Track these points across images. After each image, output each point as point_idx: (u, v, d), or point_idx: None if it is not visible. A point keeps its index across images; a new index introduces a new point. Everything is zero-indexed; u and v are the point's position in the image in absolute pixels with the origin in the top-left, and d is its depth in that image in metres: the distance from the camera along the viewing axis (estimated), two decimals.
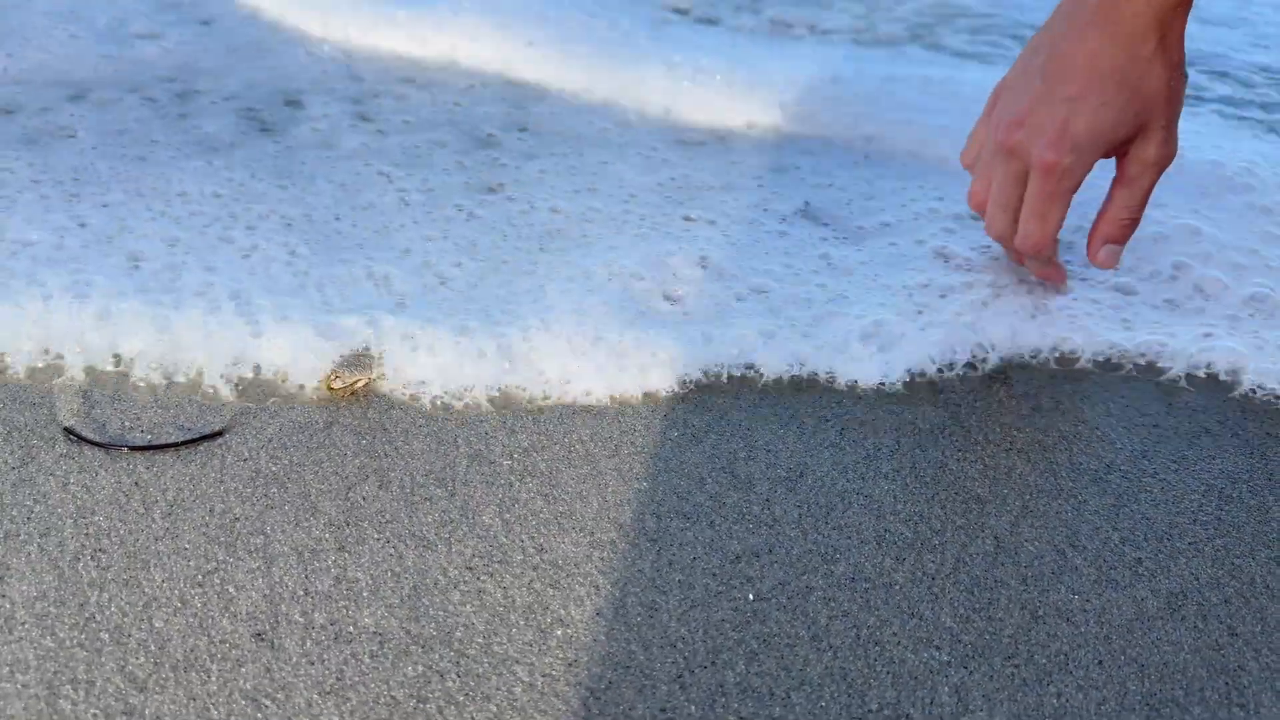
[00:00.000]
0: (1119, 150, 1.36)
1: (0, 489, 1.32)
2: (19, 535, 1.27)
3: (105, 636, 1.14)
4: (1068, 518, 1.38)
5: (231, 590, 1.21)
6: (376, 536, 1.30)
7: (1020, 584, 1.28)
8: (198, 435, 1.38)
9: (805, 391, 1.59)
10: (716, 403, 1.55)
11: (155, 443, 1.37)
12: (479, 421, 1.49)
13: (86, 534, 1.27)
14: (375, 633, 1.16)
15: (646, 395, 1.55)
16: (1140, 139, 1.33)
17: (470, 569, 1.26)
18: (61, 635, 1.13)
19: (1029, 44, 1.39)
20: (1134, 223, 1.43)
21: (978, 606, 1.24)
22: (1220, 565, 1.31)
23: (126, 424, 1.43)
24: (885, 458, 1.46)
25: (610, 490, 1.38)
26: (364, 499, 1.35)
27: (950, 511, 1.38)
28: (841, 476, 1.42)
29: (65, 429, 1.39)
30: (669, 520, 1.34)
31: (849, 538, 1.33)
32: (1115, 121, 1.27)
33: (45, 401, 1.45)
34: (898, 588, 1.26)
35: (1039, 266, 1.57)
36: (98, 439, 1.38)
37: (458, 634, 1.17)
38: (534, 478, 1.40)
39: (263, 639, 1.14)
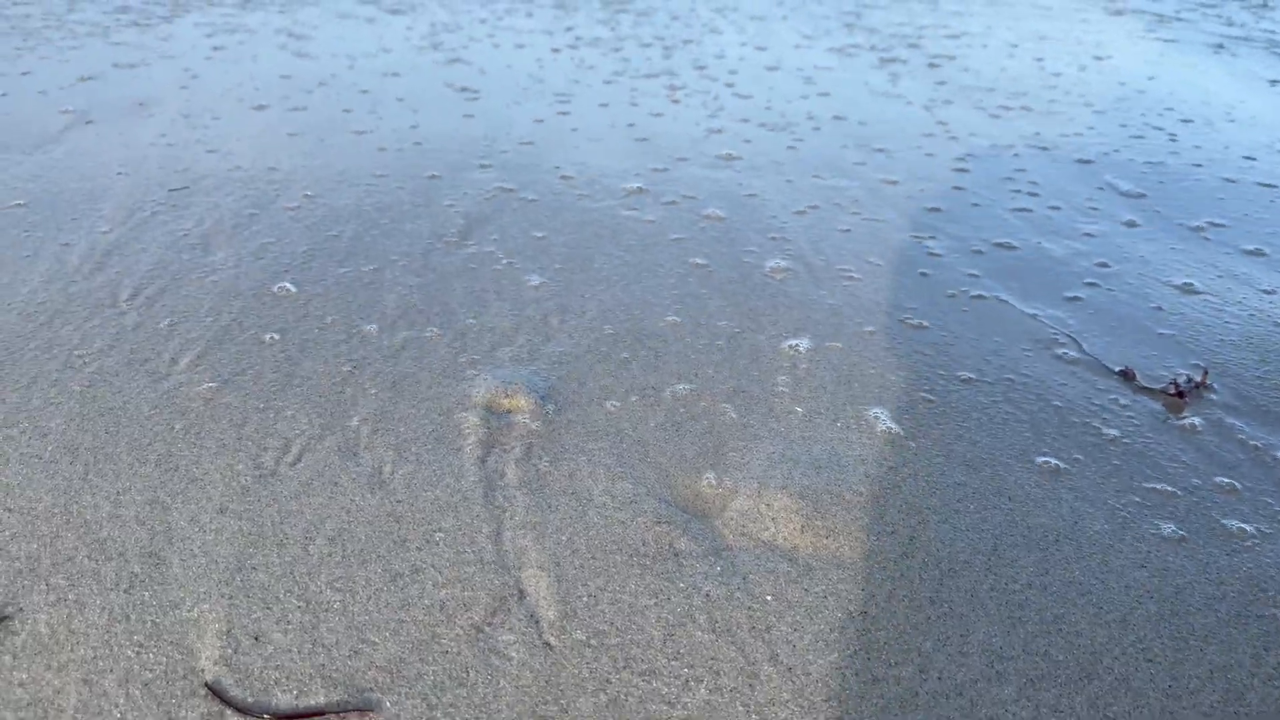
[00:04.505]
0: None
1: None
2: None
3: None
4: None
5: None
6: None
7: None
8: (347, 707, 1.25)
9: None
10: None
11: (301, 710, 1.24)
12: None
13: None
14: None
15: None
16: None
17: None
18: None
19: None
20: None
21: None
22: None
23: (271, 674, 1.30)
24: None
25: None
26: None
27: None
28: None
29: (207, 684, 1.27)
30: None
31: None
32: None
33: (187, 647, 1.34)
34: None
35: None
36: (241, 700, 1.25)
37: None
38: None
39: None
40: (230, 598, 1.41)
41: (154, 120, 3.48)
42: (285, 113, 3.64)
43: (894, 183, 3.17)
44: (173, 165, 3.01)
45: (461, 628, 1.38)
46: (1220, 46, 5.06)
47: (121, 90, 3.85)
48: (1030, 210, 2.98)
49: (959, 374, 2.03)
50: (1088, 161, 3.48)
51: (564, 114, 3.81)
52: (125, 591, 1.41)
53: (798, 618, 1.42)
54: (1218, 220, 2.96)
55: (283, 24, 5.33)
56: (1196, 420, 1.94)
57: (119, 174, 2.92)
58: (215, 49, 4.65)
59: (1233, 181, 3.32)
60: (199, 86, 3.95)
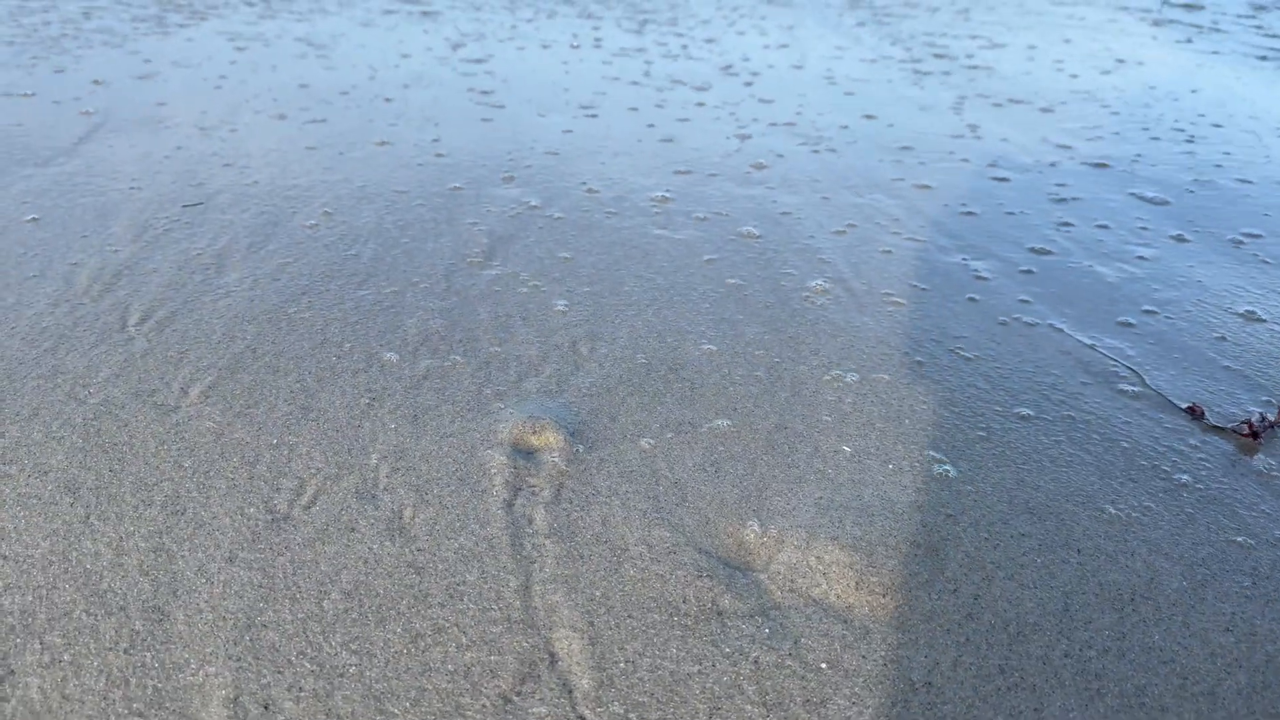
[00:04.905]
0: None
1: None
2: None
3: None
4: None
5: None
6: None
7: None
8: None
9: None
10: None
11: None
12: None
13: None
14: None
15: None
16: None
17: None
18: None
19: None
20: None
21: None
22: None
23: None
24: None
25: None
26: None
27: None
28: None
29: None
30: None
31: None
32: None
33: (190, 716, 1.23)
34: None
35: None
36: None
37: None
38: None
39: None
40: (238, 659, 1.30)
41: (170, 132, 3.39)
42: (304, 124, 3.55)
43: (932, 195, 3.04)
44: (187, 179, 2.92)
45: (488, 698, 1.26)
46: (1264, 58, 4.90)
47: (138, 100, 3.77)
48: (1073, 225, 2.85)
49: (1016, 410, 1.91)
50: (1128, 173, 3.35)
51: (590, 118, 3.71)
52: (125, 652, 1.30)
53: (856, 689, 1.29)
54: (1264, 234, 2.82)
55: (303, 32, 5.25)
56: (1273, 462, 1.80)
57: (132, 188, 2.83)
58: (238, 50, 4.58)
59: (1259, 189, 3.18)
60: (217, 97, 3.87)
